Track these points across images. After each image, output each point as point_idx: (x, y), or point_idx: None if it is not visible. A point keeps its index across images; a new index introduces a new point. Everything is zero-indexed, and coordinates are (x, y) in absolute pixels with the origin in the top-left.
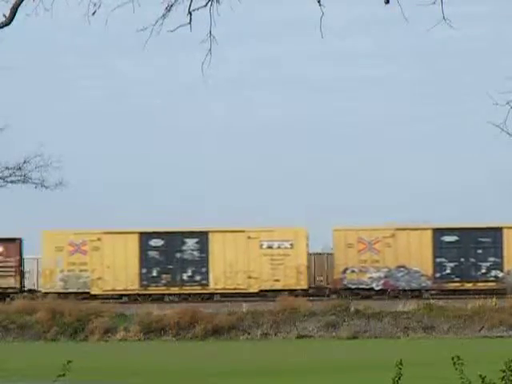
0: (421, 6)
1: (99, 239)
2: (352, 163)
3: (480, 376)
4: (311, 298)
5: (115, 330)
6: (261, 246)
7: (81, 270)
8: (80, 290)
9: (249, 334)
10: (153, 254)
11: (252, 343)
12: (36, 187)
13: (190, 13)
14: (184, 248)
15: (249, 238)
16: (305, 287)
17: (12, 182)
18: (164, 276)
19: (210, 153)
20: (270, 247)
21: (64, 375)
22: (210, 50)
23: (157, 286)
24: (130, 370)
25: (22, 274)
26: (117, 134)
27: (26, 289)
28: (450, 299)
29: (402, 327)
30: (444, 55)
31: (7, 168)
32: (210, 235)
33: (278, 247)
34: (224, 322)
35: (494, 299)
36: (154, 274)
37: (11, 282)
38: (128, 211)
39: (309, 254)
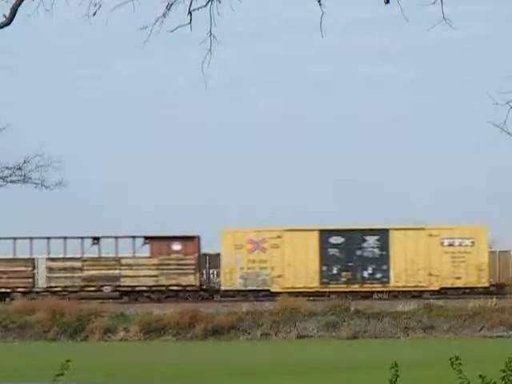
0: (421, 6)
1: (279, 237)
2: (351, 163)
3: (480, 376)
4: (312, 298)
5: (115, 329)
6: (442, 243)
7: (261, 268)
8: (260, 288)
9: (249, 334)
10: (333, 251)
11: (252, 343)
12: (36, 187)
13: (190, 13)
14: (364, 245)
15: (430, 235)
16: (486, 285)
17: (12, 181)
18: (344, 273)
19: (210, 153)
20: (451, 245)
21: (63, 374)
22: (210, 49)
23: (337, 284)
24: (130, 370)
25: (200, 272)
26: (117, 133)
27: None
28: (450, 299)
29: (402, 327)
30: (444, 55)
31: (7, 168)
32: (391, 233)
33: (459, 245)
34: (224, 322)
35: (494, 299)
36: (335, 271)
37: (191, 280)
38: (125, 211)
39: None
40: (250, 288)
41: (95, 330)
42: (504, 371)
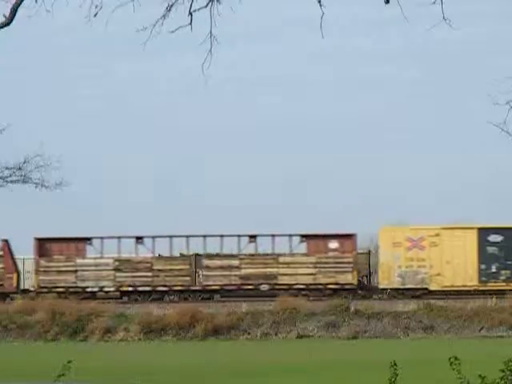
0: (421, 6)
1: (437, 235)
2: (351, 163)
3: (480, 376)
4: (311, 298)
5: (115, 329)
6: None
7: (419, 266)
8: (418, 286)
9: (249, 334)
10: (492, 249)
11: (252, 343)
12: (36, 187)
13: (190, 13)
14: None
15: None
16: None
17: (12, 182)
18: (503, 272)
19: (210, 153)
20: None
21: (64, 375)
22: (211, 49)
23: (496, 282)
24: (130, 370)
25: (358, 271)
26: (117, 133)
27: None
28: (450, 299)
29: (402, 327)
30: (444, 55)
31: (7, 168)
32: None
33: None
34: (224, 322)
35: (494, 299)
36: (493, 269)
37: (348, 278)
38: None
39: None
40: (407, 286)
41: (95, 330)
42: (503, 371)
